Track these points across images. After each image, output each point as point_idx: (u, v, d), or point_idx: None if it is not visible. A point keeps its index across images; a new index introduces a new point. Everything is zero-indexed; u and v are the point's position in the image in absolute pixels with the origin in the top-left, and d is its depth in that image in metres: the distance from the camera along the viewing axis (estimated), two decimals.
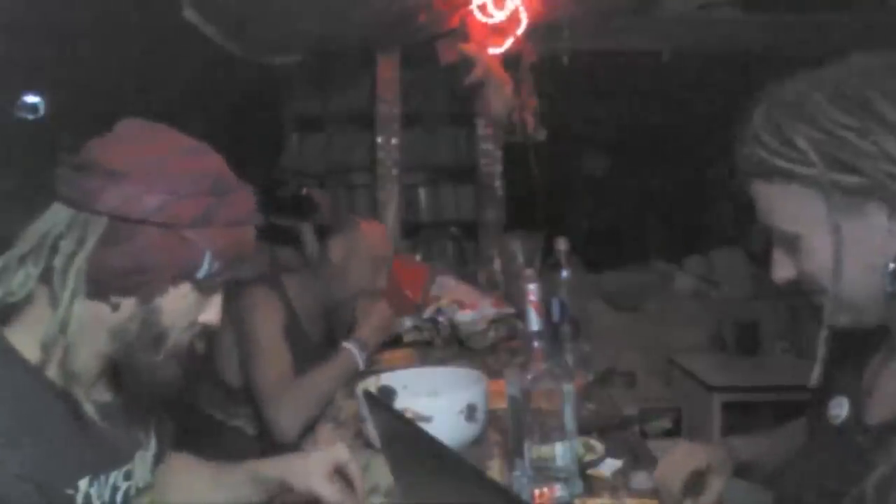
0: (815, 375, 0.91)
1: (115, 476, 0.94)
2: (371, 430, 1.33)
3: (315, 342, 2.02)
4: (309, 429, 1.70)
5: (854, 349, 0.93)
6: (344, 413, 1.68)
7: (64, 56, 3.17)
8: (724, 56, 3.51)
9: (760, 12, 3.32)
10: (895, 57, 0.80)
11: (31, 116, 4.06)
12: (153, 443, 1.06)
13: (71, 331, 0.86)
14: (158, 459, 1.08)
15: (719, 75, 3.88)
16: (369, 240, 2.05)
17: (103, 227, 0.86)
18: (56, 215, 0.88)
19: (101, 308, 0.88)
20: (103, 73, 3.40)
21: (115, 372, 0.95)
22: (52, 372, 0.88)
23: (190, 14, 2.44)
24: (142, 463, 1.01)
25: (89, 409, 0.92)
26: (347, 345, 1.89)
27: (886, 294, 0.79)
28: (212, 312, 0.96)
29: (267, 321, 1.84)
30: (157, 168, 0.87)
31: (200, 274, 0.90)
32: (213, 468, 1.20)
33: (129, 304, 0.89)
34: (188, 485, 1.17)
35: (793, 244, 0.84)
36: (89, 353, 0.90)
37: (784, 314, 3.54)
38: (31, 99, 4.07)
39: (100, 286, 0.87)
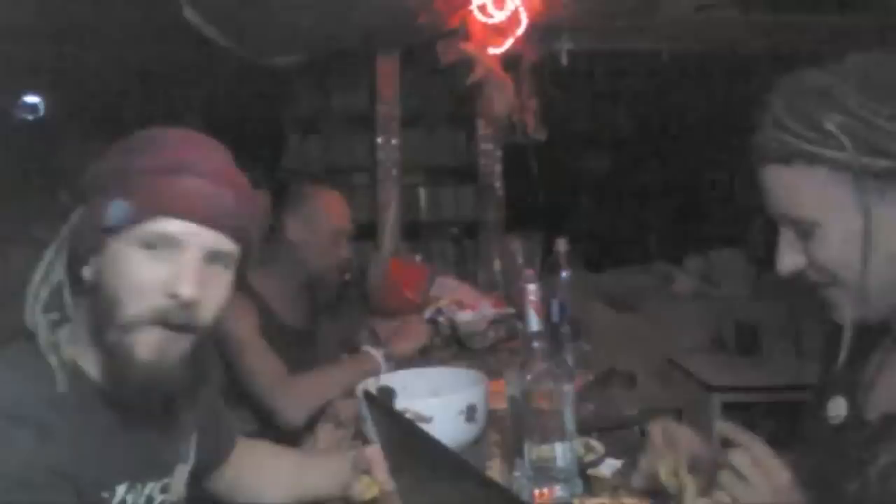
0: (842, 358, 0.89)
1: (152, 487, 0.95)
2: (371, 430, 1.33)
3: (298, 328, 2.00)
4: (314, 419, 1.71)
5: (853, 348, 0.93)
6: (344, 413, 1.67)
7: (64, 56, 3.18)
8: (723, 56, 3.51)
9: (760, 13, 3.32)
10: None
11: (31, 116, 4.07)
12: (192, 455, 1.06)
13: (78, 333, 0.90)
14: (200, 473, 1.10)
15: (719, 75, 3.89)
16: (327, 211, 2.01)
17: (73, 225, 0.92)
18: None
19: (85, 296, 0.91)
20: (103, 73, 3.41)
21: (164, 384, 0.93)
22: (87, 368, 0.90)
23: (190, 14, 2.44)
24: (180, 477, 1.02)
25: (136, 416, 0.92)
26: (375, 353, 1.89)
27: None
28: (184, 283, 0.88)
29: (240, 322, 1.81)
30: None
31: (110, 222, 0.88)
32: (295, 456, 1.27)
33: (88, 273, 0.91)
34: (273, 469, 1.22)
35: (807, 232, 0.83)
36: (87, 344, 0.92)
37: (784, 314, 3.54)
38: (31, 99, 4.08)
39: (74, 269, 0.91)
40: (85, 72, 3.38)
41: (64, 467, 0.81)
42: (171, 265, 0.88)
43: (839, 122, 0.78)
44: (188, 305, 0.88)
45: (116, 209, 0.87)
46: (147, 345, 0.87)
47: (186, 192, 0.89)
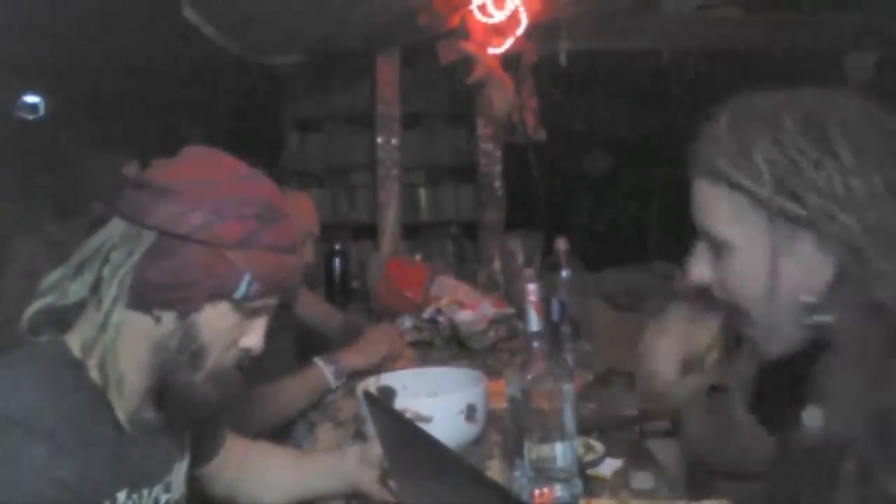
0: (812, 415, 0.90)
1: (157, 490, 0.96)
2: (371, 430, 1.33)
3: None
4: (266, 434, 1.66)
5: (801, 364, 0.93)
6: (344, 413, 1.67)
7: (64, 56, 3.18)
8: (724, 56, 3.51)
9: (760, 12, 3.32)
10: (871, 105, 0.79)
11: (31, 116, 4.07)
12: (187, 454, 1.07)
13: (110, 336, 0.89)
14: (193, 468, 1.10)
15: (719, 75, 3.88)
16: (294, 213, 2.00)
17: (151, 241, 0.89)
18: (113, 228, 0.92)
19: (145, 320, 0.90)
20: (103, 73, 3.41)
21: (158, 391, 0.96)
22: (92, 374, 0.90)
23: (190, 14, 2.44)
24: (178, 474, 1.03)
25: (123, 418, 0.92)
26: (323, 366, 1.81)
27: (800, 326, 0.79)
28: (254, 337, 0.97)
29: None
30: (206, 189, 0.91)
31: (238, 294, 0.92)
32: (295, 455, 1.27)
33: (170, 318, 0.91)
34: (273, 469, 1.22)
35: (720, 250, 0.83)
36: (131, 363, 0.91)
37: None
38: (31, 99, 4.07)
39: (142, 297, 0.89)
40: (85, 72, 3.39)
41: (70, 479, 0.82)
42: (251, 323, 0.97)
43: (768, 155, 0.77)
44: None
45: (244, 284, 0.91)
46: (218, 389, 0.96)
47: (293, 271, 0.98)
